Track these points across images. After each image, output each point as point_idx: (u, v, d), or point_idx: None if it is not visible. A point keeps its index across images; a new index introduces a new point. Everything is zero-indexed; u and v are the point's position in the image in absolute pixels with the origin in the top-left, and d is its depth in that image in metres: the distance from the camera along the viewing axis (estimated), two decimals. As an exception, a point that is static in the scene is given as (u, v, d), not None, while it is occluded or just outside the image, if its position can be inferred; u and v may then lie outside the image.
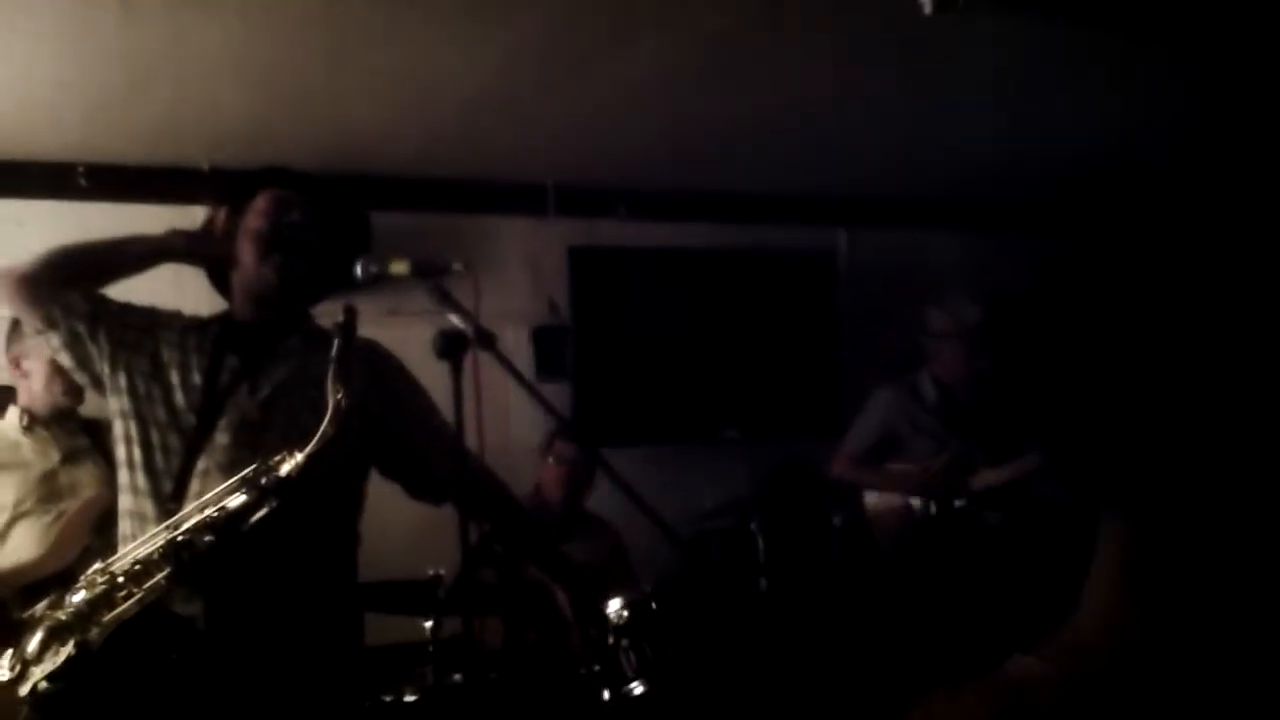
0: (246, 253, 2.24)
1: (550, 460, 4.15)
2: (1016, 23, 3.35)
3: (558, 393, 4.74)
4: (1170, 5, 3.30)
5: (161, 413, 2.12)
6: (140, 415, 2.13)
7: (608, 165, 4.67)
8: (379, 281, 2.28)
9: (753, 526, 3.90)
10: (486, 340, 2.08)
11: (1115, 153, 4.84)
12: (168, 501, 2.03)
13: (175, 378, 2.16)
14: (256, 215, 2.27)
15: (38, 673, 1.76)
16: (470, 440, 2.11)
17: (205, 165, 4.15)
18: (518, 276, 4.85)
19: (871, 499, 4.26)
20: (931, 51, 3.54)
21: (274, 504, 1.84)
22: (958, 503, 3.95)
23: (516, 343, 4.67)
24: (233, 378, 2.16)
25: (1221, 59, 3.79)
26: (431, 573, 2.98)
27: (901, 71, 3.76)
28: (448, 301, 2.12)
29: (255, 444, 2.05)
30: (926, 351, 4.27)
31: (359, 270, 2.21)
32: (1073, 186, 5.29)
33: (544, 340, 4.82)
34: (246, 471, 1.90)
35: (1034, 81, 3.91)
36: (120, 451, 2.15)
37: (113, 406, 2.19)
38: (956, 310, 4.18)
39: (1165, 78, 3.94)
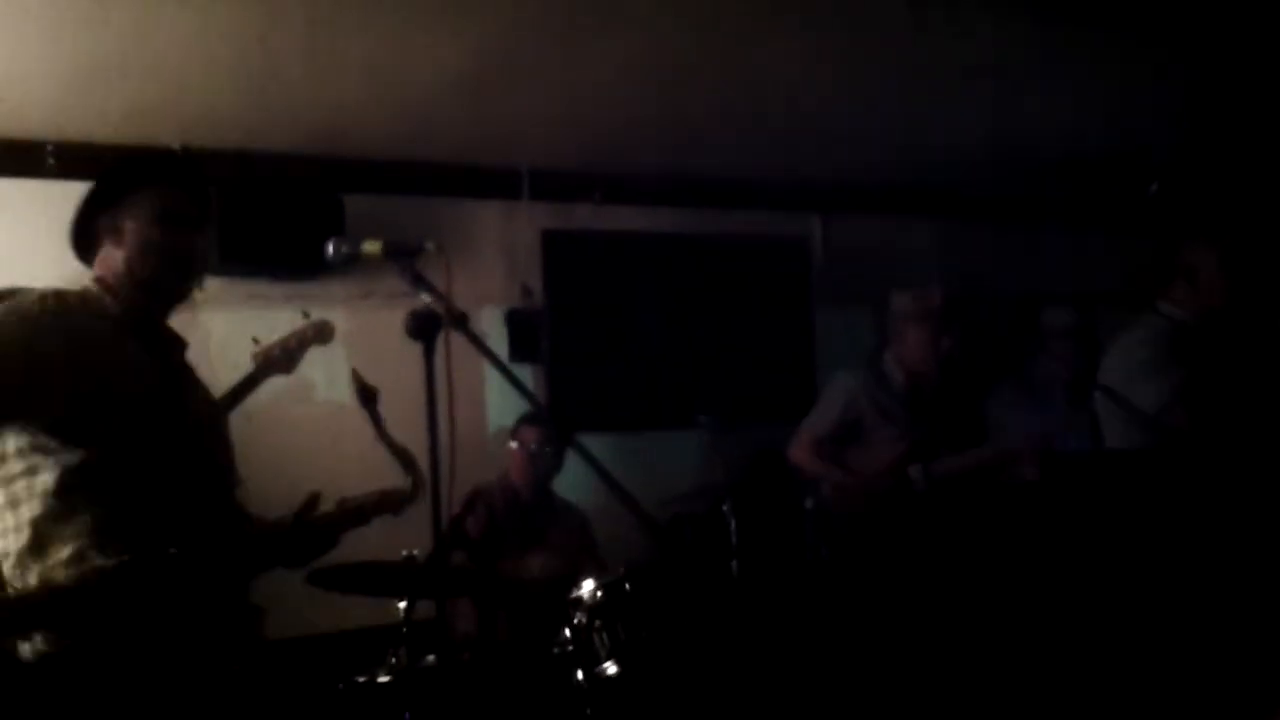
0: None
1: (516, 444, 4.16)
2: (992, 12, 3.37)
3: (531, 377, 4.75)
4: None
5: None
6: None
7: (582, 149, 4.66)
8: (351, 263, 2.28)
9: (725, 510, 3.91)
10: (459, 320, 2.08)
11: (1092, 142, 4.88)
12: None
13: None
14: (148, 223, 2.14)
15: None
16: (442, 422, 2.11)
17: (177, 146, 4.12)
18: (492, 261, 4.84)
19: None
20: (907, 39, 3.56)
21: None
22: (917, 488, 3.95)
23: (490, 327, 4.66)
24: None
25: (1201, 48, 3.82)
26: (405, 554, 2.98)
27: (876, 59, 3.77)
28: (420, 282, 2.12)
29: None
30: (890, 334, 4.28)
31: (330, 251, 2.20)
32: (1050, 175, 5.32)
33: (517, 324, 4.81)
34: None
35: (1009, 70, 3.93)
36: None
37: None
38: (919, 292, 4.20)
39: (1144, 68, 3.97)
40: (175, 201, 2.14)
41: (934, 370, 4.14)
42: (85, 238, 2.17)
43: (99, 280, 2.13)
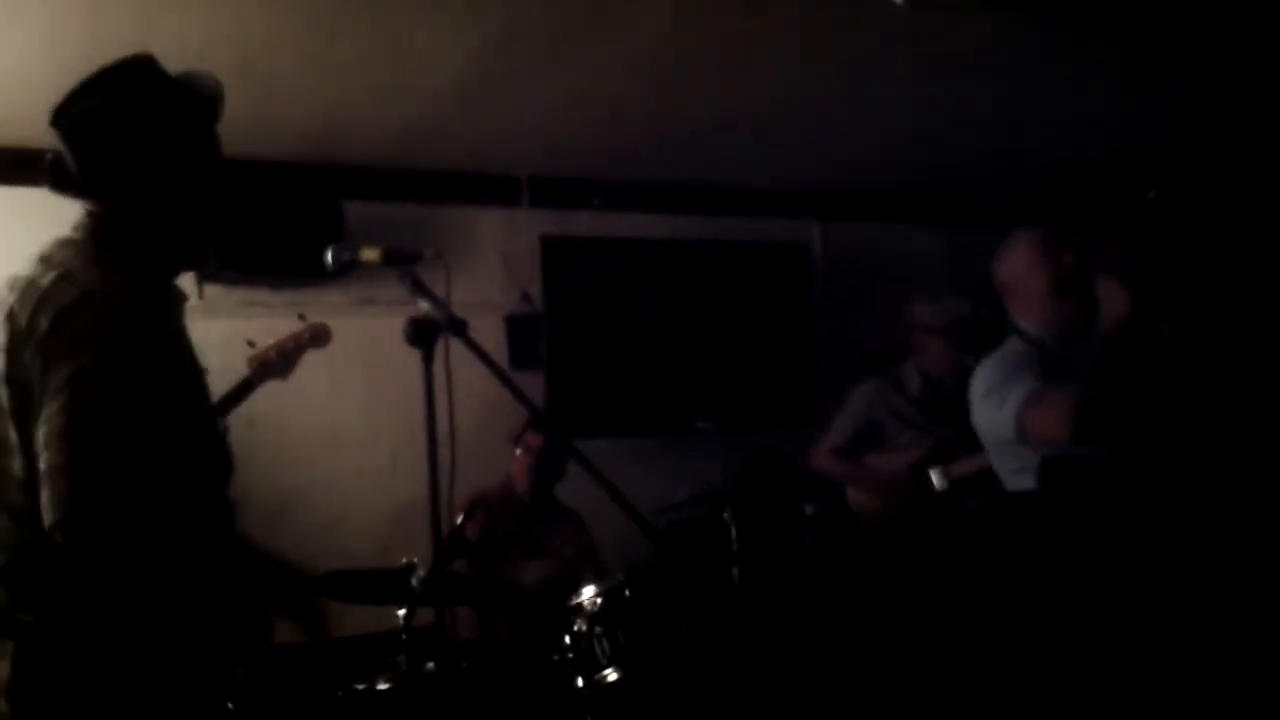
0: None
1: (519, 450, 4.16)
2: (990, 17, 3.37)
3: (531, 383, 4.75)
4: (1147, 3, 3.33)
5: None
6: None
7: (582, 156, 4.67)
8: (351, 269, 2.28)
9: (726, 516, 3.91)
10: (458, 327, 2.08)
11: (1092, 148, 4.89)
12: None
13: None
14: None
15: None
16: (441, 427, 2.11)
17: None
18: (491, 267, 4.85)
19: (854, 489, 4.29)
20: (905, 45, 3.56)
21: None
22: (938, 489, 3.95)
23: (490, 333, 4.67)
24: None
25: (1200, 55, 3.82)
26: (404, 561, 2.97)
27: (875, 65, 3.78)
28: (419, 288, 2.13)
29: None
30: (911, 344, 4.29)
31: (329, 257, 2.20)
32: (1049, 181, 5.32)
33: (517, 330, 4.82)
34: None
35: (1008, 76, 3.93)
36: None
37: None
38: (943, 304, 4.21)
39: (1144, 75, 3.97)
40: None
41: (953, 378, 4.15)
42: None
43: None
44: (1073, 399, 2.46)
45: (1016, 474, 2.71)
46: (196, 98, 1.95)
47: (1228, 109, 4.45)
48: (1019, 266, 2.85)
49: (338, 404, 4.40)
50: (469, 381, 2.21)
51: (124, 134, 1.86)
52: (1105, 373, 2.53)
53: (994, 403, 2.68)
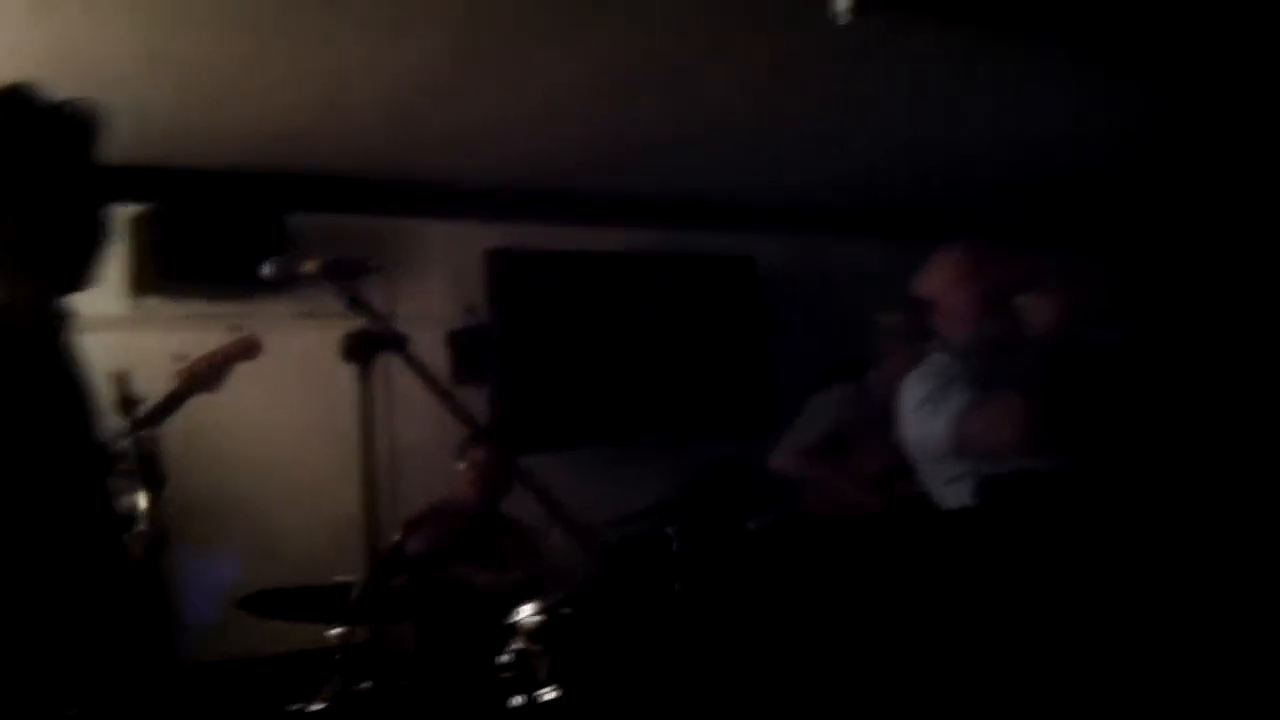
0: None
1: (463, 465, 4.13)
2: (932, 31, 3.41)
3: (478, 397, 4.71)
4: (1085, 18, 3.38)
5: None
6: None
7: (529, 168, 4.65)
8: (291, 282, 2.24)
9: (669, 531, 3.90)
10: (398, 343, 2.05)
11: (1034, 161, 4.95)
12: None
13: None
14: None
15: None
16: (381, 444, 2.08)
17: (112, 163, 4.05)
18: (436, 280, 4.81)
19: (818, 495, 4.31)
20: (853, 60, 3.59)
21: None
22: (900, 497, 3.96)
23: (435, 347, 4.63)
24: None
25: (1148, 70, 3.88)
26: (341, 579, 2.93)
27: (824, 80, 3.80)
28: (358, 303, 2.09)
29: None
30: (880, 352, 4.31)
31: (268, 270, 2.17)
32: (994, 194, 5.39)
33: (462, 344, 4.78)
34: None
35: (951, 90, 3.98)
36: None
37: None
38: (911, 314, 4.23)
39: (1083, 88, 4.02)
40: None
41: None
42: None
43: None
44: (1017, 407, 2.50)
45: (949, 485, 2.73)
46: (69, 124, 1.95)
47: (1178, 124, 4.53)
48: (945, 282, 2.90)
49: (276, 420, 4.33)
50: (415, 396, 2.18)
51: None
52: (1037, 383, 2.57)
53: (926, 414, 2.71)
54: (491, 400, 4.84)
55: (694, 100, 3.91)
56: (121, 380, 2.72)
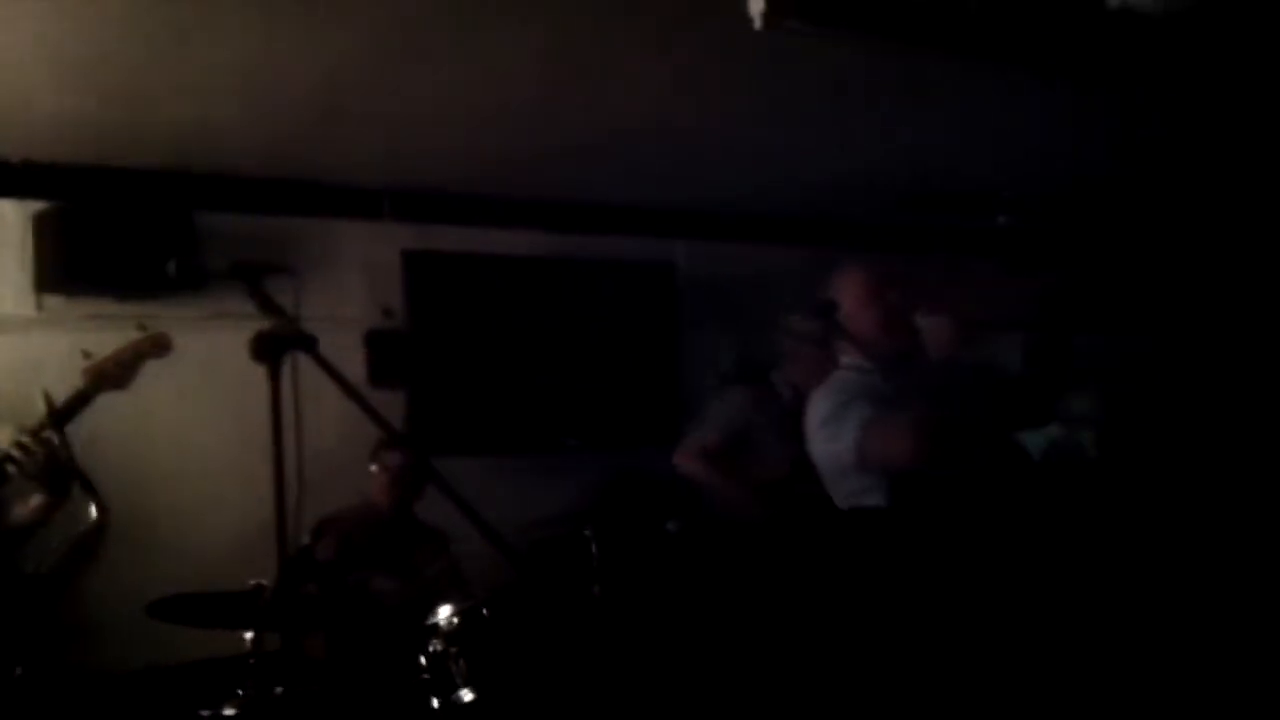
0: None
1: (376, 468, 4.09)
2: (850, 43, 3.45)
3: (393, 400, 4.67)
4: (1010, 27, 3.44)
5: None
6: None
7: (446, 171, 4.63)
8: (200, 282, 2.22)
9: (587, 534, 3.91)
10: (306, 343, 2.04)
11: (949, 174, 5.05)
12: None
13: None
14: None
15: None
16: (289, 446, 2.06)
17: (16, 160, 3.95)
18: (352, 282, 4.76)
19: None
20: (765, 68, 3.63)
21: None
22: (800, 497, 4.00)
23: (351, 349, 4.57)
24: None
25: (1064, 79, 3.96)
26: (253, 584, 2.89)
27: (739, 87, 3.83)
28: (266, 303, 2.08)
29: None
30: (784, 354, 4.34)
31: (173, 269, 2.14)
32: (910, 203, 5.48)
33: (378, 346, 4.73)
34: None
35: (869, 99, 4.02)
36: None
37: None
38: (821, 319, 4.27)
39: (1002, 99, 4.10)
40: None
41: None
42: None
43: None
44: (913, 422, 2.58)
45: (857, 497, 2.79)
46: None
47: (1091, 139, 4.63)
48: (848, 304, 2.97)
49: (185, 421, 4.25)
50: (327, 398, 2.17)
51: None
52: (937, 399, 2.66)
53: (831, 431, 2.78)
54: (407, 403, 4.81)
55: (613, 105, 3.92)
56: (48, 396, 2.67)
